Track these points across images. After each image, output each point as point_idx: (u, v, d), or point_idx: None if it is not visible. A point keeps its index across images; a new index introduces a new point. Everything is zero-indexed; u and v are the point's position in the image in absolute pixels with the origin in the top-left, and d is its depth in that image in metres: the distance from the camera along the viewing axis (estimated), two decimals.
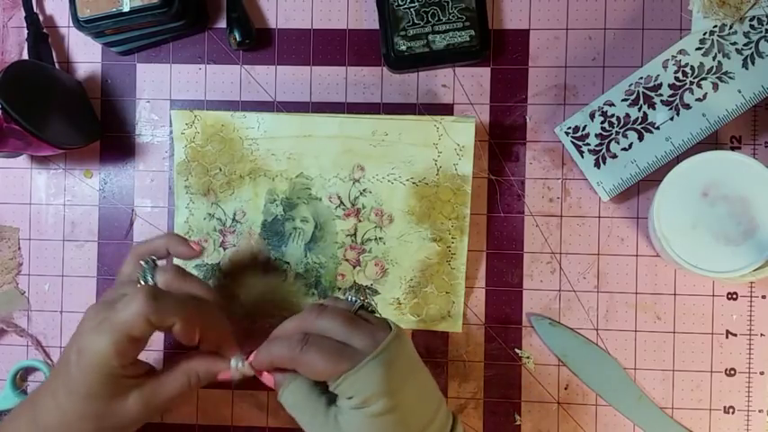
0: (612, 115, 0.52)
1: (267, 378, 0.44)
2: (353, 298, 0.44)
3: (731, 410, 0.53)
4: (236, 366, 0.44)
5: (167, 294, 0.43)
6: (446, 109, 0.55)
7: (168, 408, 0.45)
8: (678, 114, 0.51)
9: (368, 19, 0.55)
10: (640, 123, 0.51)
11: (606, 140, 0.52)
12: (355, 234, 0.54)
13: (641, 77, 0.51)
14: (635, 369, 0.53)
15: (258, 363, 0.44)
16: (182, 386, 0.44)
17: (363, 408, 0.40)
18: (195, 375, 0.44)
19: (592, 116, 0.52)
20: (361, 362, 0.39)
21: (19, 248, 0.57)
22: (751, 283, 0.53)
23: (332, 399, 0.42)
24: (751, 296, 0.53)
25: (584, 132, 0.52)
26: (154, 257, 0.47)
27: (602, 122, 0.52)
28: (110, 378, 0.41)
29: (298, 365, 0.41)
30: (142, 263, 0.46)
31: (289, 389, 0.43)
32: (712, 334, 0.53)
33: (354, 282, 0.54)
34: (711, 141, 0.53)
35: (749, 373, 0.53)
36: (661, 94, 0.51)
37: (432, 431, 0.41)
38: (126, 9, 0.51)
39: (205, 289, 0.46)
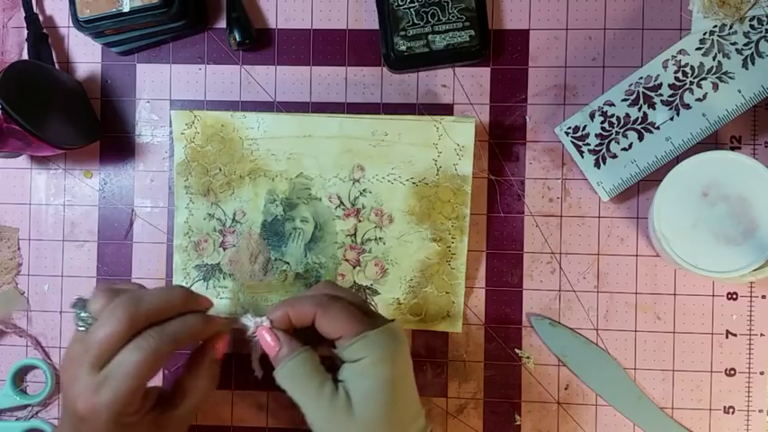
0: (612, 115, 0.52)
1: (270, 343, 0.43)
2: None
3: (731, 410, 0.53)
4: (249, 321, 0.44)
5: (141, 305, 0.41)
6: (446, 109, 0.55)
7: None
8: (678, 114, 0.51)
9: (368, 19, 0.55)
10: (640, 123, 0.51)
11: (606, 140, 0.52)
12: (355, 234, 0.54)
13: (641, 77, 0.51)
14: (635, 369, 0.53)
15: (275, 314, 0.43)
16: (198, 398, 0.44)
17: (373, 369, 0.41)
18: (204, 386, 0.44)
19: (592, 116, 0.52)
20: (378, 328, 0.42)
21: (18, 249, 0.57)
22: (751, 283, 0.53)
23: (329, 376, 0.42)
24: (751, 296, 0.53)
25: (584, 132, 0.52)
26: (81, 297, 0.43)
27: (602, 122, 0.52)
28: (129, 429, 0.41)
29: (322, 316, 0.42)
30: (75, 310, 0.42)
31: (296, 359, 0.42)
32: (712, 334, 0.53)
33: (354, 282, 0.54)
34: (711, 141, 0.53)
35: (749, 373, 0.53)
36: (661, 94, 0.51)
37: (419, 425, 0.43)
38: (126, 9, 0.51)
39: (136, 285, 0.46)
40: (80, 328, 0.41)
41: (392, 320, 0.44)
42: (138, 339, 0.40)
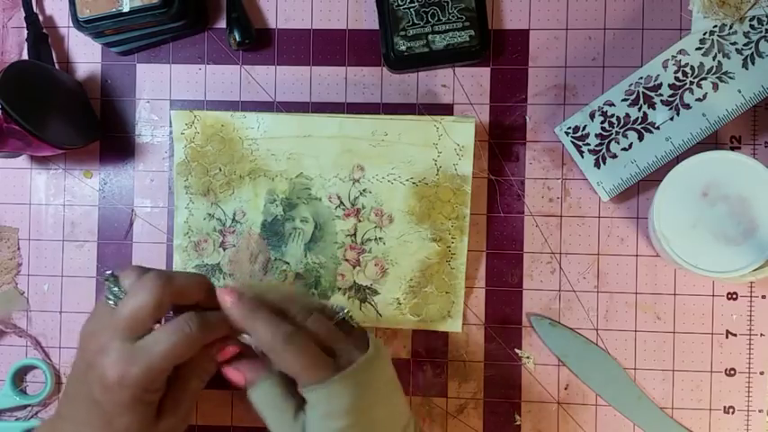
0: (612, 115, 0.52)
1: (234, 374, 0.43)
2: (338, 307, 0.43)
3: (731, 410, 0.53)
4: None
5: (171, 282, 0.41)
6: (446, 109, 0.55)
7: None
8: (678, 114, 0.51)
9: (368, 19, 0.55)
10: (640, 123, 0.51)
11: (606, 140, 0.52)
12: (355, 234, 0.54)
13: (641, 77, 0.51)
14: (635, 369, 0.53)
15: (238, 321, 0.42)
16: (197, 384, 0.43)
17: (329, 422, 0.39)
18: (203, 371, 0.43)
19: (592, 116, 0.52)
20: (332, 377, 0.39)
21: (18, 249, 0.57)
22: (751, 283, 0.53)
23: (300, 403, 0.41)
24: (751, 296, 0.53)
25: (584, 132, 0.52)
26: (112, 272, 0.42)
27: (602, 122, 0.52)
28: (144, 408, 0.40)
29: (275, 359, 0.41)
30: (107, 283, 0.42)
31: (261, 386, 0.42)
32: (712, 334, 0.53)
33: (354, 282, 0.54)
34: (711, 141, 0.53)
35: (749, 373, 0.53)
36: (661, 94, 0.51)
37: None
38: (126, 9, 0.51)
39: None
40: (110, 302, 0.41)
41: (364, 348, 0.41)
42: (179, 320, 0.40)
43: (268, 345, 0.40)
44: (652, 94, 0.51)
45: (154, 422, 0.41)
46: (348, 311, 0.43)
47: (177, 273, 0.43)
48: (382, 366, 0.42)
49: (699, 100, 0.50)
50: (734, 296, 0.53)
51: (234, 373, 0.43)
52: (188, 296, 0.42)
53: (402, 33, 0.53)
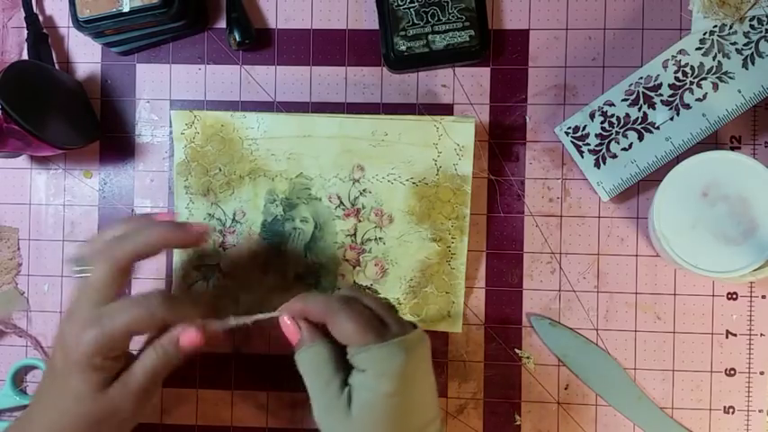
0: (612, 115, 0.52)
1: (291, 329, 0.43)
2: (385, 299, 0.45)
3: (731, 410, 0.53)
4: (231, 323, 0.44)
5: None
6: (446, 109, 0.55)
7: (151, 395, 0.44)
8: (678, 114, 0.51)
9: (368, 19, 0.55)
10: (640, 123, 0.51)
11: (606, 140, 0.52)
12: (355, 234, 0.54)
13: (641, 77, 0.51)
14: (635, 369, 0.53)
15: (290, 308, 0.44)
16: (152, 363, 0.42)
17: (373, 383, 0.40)
18: (160, 347, 0.43)
19: (592, 116, 0.52)
20: (388, 340, 0.41)
21: (18, 249, 0.57)
22: (751, 283, 0.53)
23: (346, 377, 0.42)
24: (751, 296, 0.53)
25: (584, 132, 0.52)
26: (75, 254, 0.44)
27: (602, 122, 0.52)
28: (92, 372, 0.41)
29: (331, 321, 0.42)
30: (72, 267, 0.44)
31: (312, 349, 0.43)
32: (712, 334, 0.53)
33: (354, 282, 0.54)
34: (711, 141, 0.53)
35: (749, 373, 0.53)
36: (661, 94, 0.51)
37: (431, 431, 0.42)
38: (126, 9, 0.51)
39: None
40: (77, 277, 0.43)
41: (413, 329, 0.43)
42: (144, 294, 0.42)
43: (324, 307, 0.42)
44: (652, 94, 0.51)
45: (102, 389, 0.41)
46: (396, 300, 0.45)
47: (129, 234, 0.43)
48: (427, 351, 0.44)
49: (699, 100, 0.50)
50: (734, 296, 0.53)
51: (289, 328, 0.44)
52: (148, 249, 0.43)
53: (402, 33, 0.53)
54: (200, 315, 0.43)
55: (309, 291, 0.54)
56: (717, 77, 0.50)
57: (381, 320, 0.42)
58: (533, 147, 0.54)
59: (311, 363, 0.43)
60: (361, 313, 0.42)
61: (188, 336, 0.42)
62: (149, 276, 0.56)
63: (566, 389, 0.54)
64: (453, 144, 0.53)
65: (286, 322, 0.44)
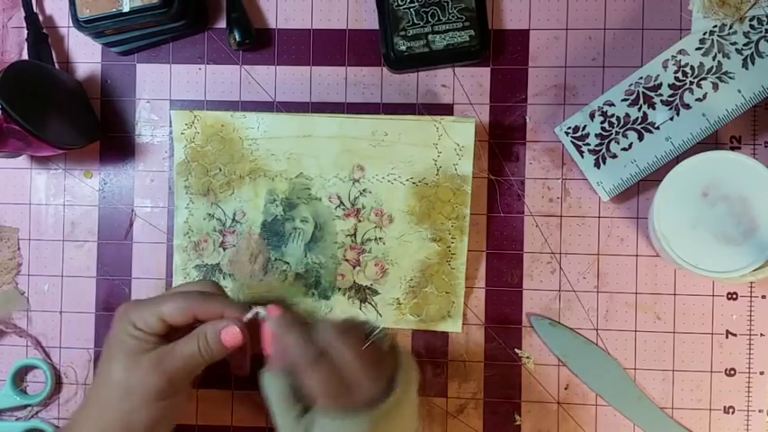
0: (612, 115, 0.52)
1: (267, 342, 0.43)
2: (373, 326, 0.43)
3: (731, 410, 0.53)
4: (252, 315, 0.44)
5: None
6: (446, 109, 0.55)
7: (186, 380, 0.45)
8: (678, 114, 0.51)
9: (368, 19, 0.55)
10: (640, 123, 0.51)
11: (606, 140, 0.52)
12: (355, 234, 0.54)
13: (641, 77, 0.51)
14: (635, 369, 0.53)
15: (273, 332, 0.43)
16: (192, 350, 0.44)
17: None
18: (203, 336, 0.44)
19: (592, 116, 0.52)
20: (352, 413, 0.40)
21: (18, 248, 0.57)
22: (751, 283, 0.53)
23: (308, 406, 0.42)
24: (751, 296, 0.53)
25: (584, 132, 0.52)
26: None
27: (602, 122, 0.52)
28: (129, 347, 0.43)
29: (302, 372, 0.41)
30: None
31: (276, 377, 0.43)
32: (712, 334, 0.53)
33: (354, 282, 0.54)
34: (711, 141, 0.53)
35: (749, 373, 0.53)
36: (661, 94, 0.51)
37: None
38: (126, 9, 0.51)
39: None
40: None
41: (391, 390, 0.41)
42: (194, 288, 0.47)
43: (300, 352, 0.41)
44: (652, 94, 0.51)
45: (137, 358, 0.43)
46: (382, 330, 0.43)
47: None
48: (403, 408, 0.42)
49: (699, 100, 0.50)
50: (734, 296, 0.53)
51: (268, 342, 0.44)
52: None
53: (402, 33, 0.53)
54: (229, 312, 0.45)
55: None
56: (717, 77, 0.50)
57: (354, 383, 0.41)
58: (533, 147, 0.54)
59: (274, 387, 0.43)
60: (329, 378, 0.41)
61: (229, 333, 0.44)
62: (150, 276, 0.56)
63: (566, 389, 0.54)
64: (453, 144, 0.53)
65: (267, 331, 0.44)
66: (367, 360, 0.41)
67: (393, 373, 0.42)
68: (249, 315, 0.44)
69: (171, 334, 0.45)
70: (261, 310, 0.44)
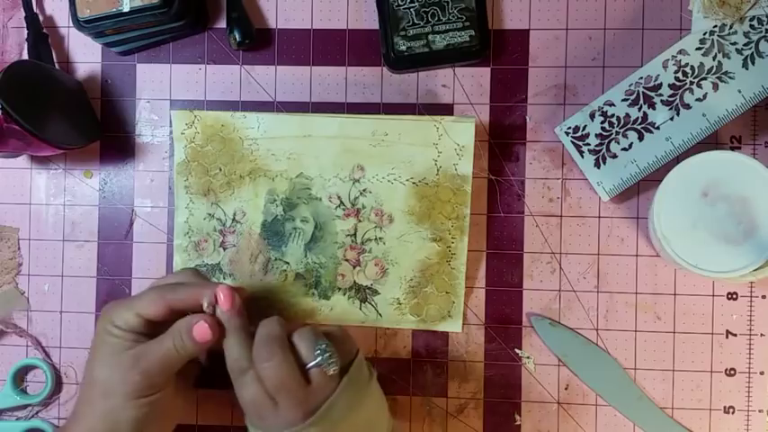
0: (612, 115, 0.52)
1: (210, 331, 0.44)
2: (320, 349, 0.43)
3: (731, 410, 0.53)
4: (206, 306, 0.45)
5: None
6: (446, 109, 0.55)
7: (165, 377, 0.45)
8: (678, 114, 0.51)
9: (368, 19, 0.55)
10: (640, 123, 0.51)
11: (606, 140, 0.52)
12: (355, 234, 0.54)
13: (641, 77, 0.51)
14: (635, 369, 0.53)
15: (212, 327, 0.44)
16: (167, 346, 0.44)
17: None
18: (178, 332, 0.44)
19: (592, 116, 0.52)
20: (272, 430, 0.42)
21: (18, 248, 0.57)
22: (751, 283, 0.53)
23: None
24: (751, 296, 0.53)
25: (584, 132, 0.52)
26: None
27: (602, 122, 0.52)
28: (110, 346, 0.44)
29: (232, 379, 0.44)
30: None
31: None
32: (712, 334, 0.53)
33: (354, 282, 0.54)
34: (711, 141, 0.53)
35: (749, 373, 0.53)
36: (661, 94, 0.51)
37: None
38: (126, 9, 0.51)
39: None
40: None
41: (316, 408, 0.42)
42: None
43: (235, 357, 0.44)
44: (652, 94, 0.51)
45: (118, 356, 0.44)
46: (328, 357, 0.42)
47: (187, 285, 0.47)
48: (356, 404, 0.44)
49: (699, 100, 0.50)
50: (734, 296, 0.53)
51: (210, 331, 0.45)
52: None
53: (402, 33, 0.53)
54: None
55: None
56: (717, 77, 0.50)
57: (273, 404, 0.42)
58: (533, 147, 0.54)
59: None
60: (252, 393, 0.42)
61: (200, 329, 0.44)
62: (150, 276, 0.56)
63: (566, 389, 0.54)
64: (453, 144, 0.53)
65: (204, 326, 0.44)
66: (290, 384, 0.42)
67: (323, 401, 0.42)
68: (205, 306, 0.45)
69: (157, 331, 0.45)
70: (215, 304, 0.45)
